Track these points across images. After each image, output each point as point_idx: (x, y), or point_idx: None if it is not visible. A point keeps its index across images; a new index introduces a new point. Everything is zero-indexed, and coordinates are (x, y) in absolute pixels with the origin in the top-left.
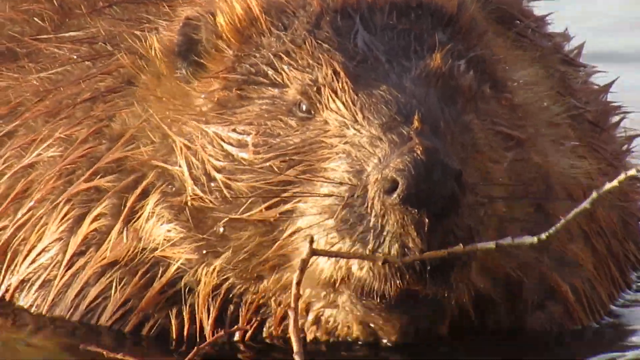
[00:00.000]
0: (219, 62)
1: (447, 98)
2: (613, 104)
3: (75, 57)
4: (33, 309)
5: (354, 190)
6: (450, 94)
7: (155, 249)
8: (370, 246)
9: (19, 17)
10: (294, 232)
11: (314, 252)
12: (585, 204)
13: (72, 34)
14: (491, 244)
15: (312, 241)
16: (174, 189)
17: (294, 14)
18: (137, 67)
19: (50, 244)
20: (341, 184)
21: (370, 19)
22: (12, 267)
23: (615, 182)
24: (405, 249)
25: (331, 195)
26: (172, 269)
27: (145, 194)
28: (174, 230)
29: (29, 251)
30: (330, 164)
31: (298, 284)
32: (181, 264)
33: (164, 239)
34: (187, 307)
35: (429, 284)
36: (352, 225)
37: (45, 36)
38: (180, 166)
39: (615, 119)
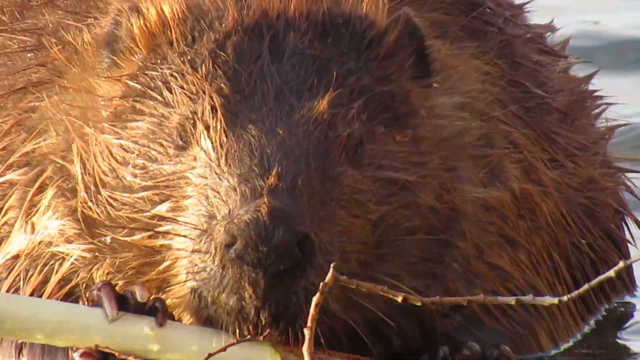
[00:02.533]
0: (128, 66)
1: (320, 149)
2: (589, 92)
3: (20, 47)
4: None
5: (202, 236)
6: (325, 145)
7: (51, 243)
8: (211, 294)
9: None
10: (172, 264)
11: (336, 279)
12: (610, 273)
13: (24, 25)
14: (511, 300)
15: (335, 267)
16: (69, 185)
17: (209, 26)
18: (69, 60)
19: None
20: (195, 227)
21: (281, 40)
22: None
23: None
24: (243, 303)
25: (187, 237)
26: (66, 264)
27: (43, 188)
28: (68, 225)
29: None
30: (190, 203)
31: (317, 305)
32: (75, 259)
33: (58, 233)
34: (87, 302)
35: (270, 336)
36: (197, 270)
37: (1, 28)
38: (75, 166)
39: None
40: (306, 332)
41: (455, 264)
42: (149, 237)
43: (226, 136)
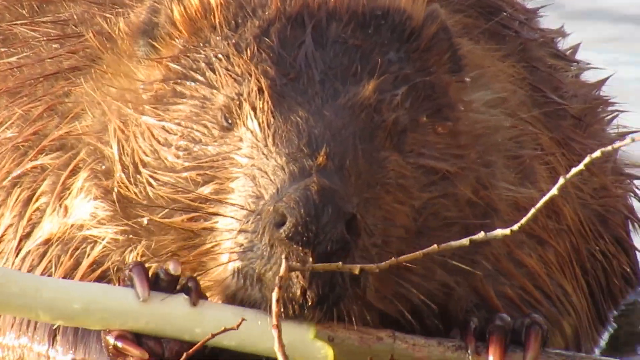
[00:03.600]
0: (168, 50)
1: (366, 133)
2: (605, 99)
3: (45, 39)
4: None
5: (250, 216)
6: (371, 129)
7: (83, 226)
8: (257, 270)
9: (0, 5)
10: (214, 246)
11: (290, 268)
12: (554, 191)
13: (46, 18)
14: (465, 241)
15: (287, 258)
16: (104, 167)
17: (251, 13)
18: (103, 47)
19: (5, 231)
20: (242, 207)
21: (324, 29)
22: None
23: (581, 166)
24: (290, 283)
25: (233, 218)
26: (98, 247)
27: (76, 171)
28: (100, 208)
29: None
30: (236, 184)
31: (277, 301)
32: (107, 242)
33: (90, 216)
34: (119, 283)
35: (315, 316)
36: (244, 249)
37: (21, 21)
38: (111, 147)
39: (609, 115)
40: (273, 331)
41: (485, 261)
42: (190, 219)
43: (273, 117)
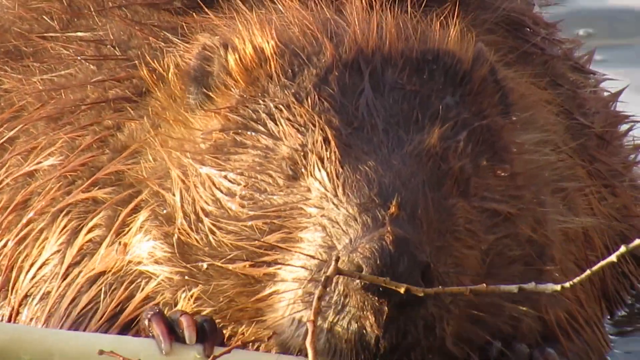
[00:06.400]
0: (225, 100)
1: (434, 181)
2: (622, 113)
3: (80, 59)
4: (32, 323)
5: (322, 266)
6: (438, 177)
7: (140, 263)
8: (330, 319)
9: (27, 14)
10: (273, 293)
11: (339, 271)
12: (612, 258)
13: (79, 34)
14: (514, 288)
15: (337, 259)
16: (165, 211)
17: (307, 61)
18: (152, 82)
19: (50, 256)
20: (313, 257)
21: (380, 75)
22: (16, 285)
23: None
24: (364, 331)
25: (303, 267)
26: (153, 283)
27: (137, 209)
28: (159, 248)
29: (31, 266)
30: (306, 234)
31: (319, 298)
32: (162, 279)
33: (149, 255)
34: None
35: None
36: (312, 299)
37: (52, 34)
38: (174, 194)
39: (625, 127)
40: (309, 325)
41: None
42: (253, 265)
43: (342, 167)
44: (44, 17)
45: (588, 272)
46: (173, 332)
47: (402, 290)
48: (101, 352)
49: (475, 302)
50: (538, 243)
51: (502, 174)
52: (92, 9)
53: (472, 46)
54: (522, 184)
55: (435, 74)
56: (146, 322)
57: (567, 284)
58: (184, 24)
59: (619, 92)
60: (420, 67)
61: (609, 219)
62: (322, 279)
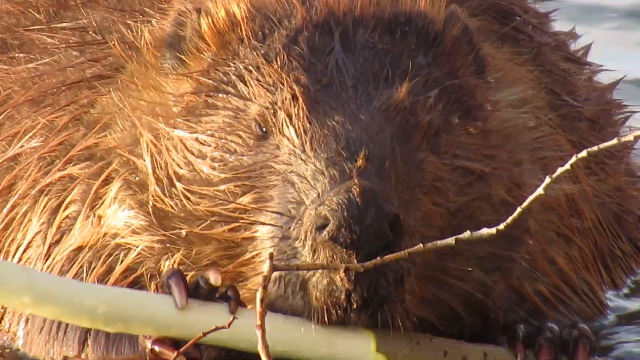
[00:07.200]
0: (197, 63)
1: (403, 134)
2: (617, 102)
3: (64, 46)
4: None
5: (291, 223)
6: (407, 131)
7: (116, 234)
8: (300, 279)
9: (15, 9)
10: (255, 255)
11: (275, 268)
12: (540, 190)
13: (64, 24)
14: (450, 240)
15: (272, 257)
16: (137, 178)
17: (277, 24)
18: (127, 56)
19: (33, 238)
20: (282, 214)
21: (351, 35)
22: None
23: (567, 165)
24: (334, 286)
25: (274, 225)
26: (132, 254)
27: (109, 181)
28: (135, 217)
29: (16, 249)
30: (276, 192)
31: (262, 300)
32: (141, 250)
33: (125, 225)
34: (156, 290)
35: (358, 321)
36: (287, 257)
37: (38, 27)
38: (144, 160)
39: (621, 117)
40: (257, 330)
41: (521, 260)
42: (231, 229)
43: (309, 122)
44: (30, 10)
45: (519, 209)
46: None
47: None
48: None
49: (442, 265)
50: (514, 207)
51: (474, 131)
52: (77, 1)
53: (444, 8)
54: (496, 142)
55: (407, 35)
56: (165, 279)
57: (500, 226)
58: (164, 4)
59: (616, 82)
60: (392, 28)
61: (602, 196)
62: (261, 279)
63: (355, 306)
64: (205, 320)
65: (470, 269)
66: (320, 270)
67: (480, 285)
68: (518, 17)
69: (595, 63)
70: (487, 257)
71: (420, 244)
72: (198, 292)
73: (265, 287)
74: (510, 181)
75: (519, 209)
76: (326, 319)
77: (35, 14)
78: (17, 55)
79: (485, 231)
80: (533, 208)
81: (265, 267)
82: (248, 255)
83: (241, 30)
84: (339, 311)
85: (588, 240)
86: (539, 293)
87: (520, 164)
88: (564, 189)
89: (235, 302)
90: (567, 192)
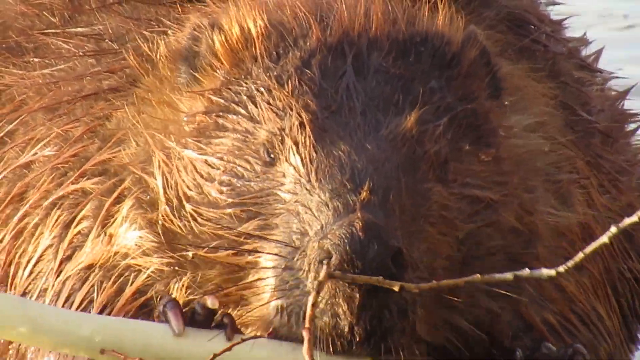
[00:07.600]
0: (210, 81)
1: (409, 164)
2: (629, 112)
3: (80, 53)
4: None
5: (294, 253)
6: (414, 160)
7: (127, 254)
8: (304, 309)
9: (29, 10)
10: (256, 280)
11: (330, 275)
12: (604, 238)
13: (79, 29)
14: (509, 275)
15: (329, 264)
16: (148, 197)
17: (292, 44)
18: (143, 69)
19: (44, 252)
20: (287, 244)
21: (365, 57)
22: (14, 282)
23: (634, 217)
24: (337, 319)
25: (278, 255)
26: (142, 276)
27: (121, 199)
28: (145, 237)
29: (27, 262)
30: (280, 221)
31: (313, 305)
32: (151, 272)
33: (135, 245)
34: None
35: (362, 351)
36: (290, 287)
37: (53, 30)
38: (156, 179)
39: (632, 126)
40: (305, 333)
41: (529, 287)
42: (235, 254)
43: (315, 151)
44: (45, 13)
45: (580, 254)
46: (191, 319)
47: (396, 288)
48: (103, 352)
49: (451, 292)
50: (523, 234)
51: (486, 158)
52: (92, 5)
53: (462, 28)
54: (508, 169)
55: (422, 57)
56: (161, 307)
57: (560, 268)
58: (180, 14)
59: (627, 91)
60: (407, 49)
61: (613, 216)
62: (315, 284)
63: (358, 339)
64: (202, 347)
65: (476, 295)
66: (324, 302)
67: (488, 311)
68: (533, 26)
69: (607, 70)
70: (494, 283)
71: (478, 275)
72: (195, 318)
73: (318, 292)
74: (520, 208)
75: (580, 254)
76: (331, 350)
77: (50, 17)
78: (32, 59)
79: (544, 271)
80: (543, 234)
81: (321, 274)
82: (251, 279)
83: (255, 48)
84: (343, 342)
85: (599, 265)
86: (546, 322)
87: (532, 190)
88: (577, 216)
89: (232, 329)
90: (580, 217)
